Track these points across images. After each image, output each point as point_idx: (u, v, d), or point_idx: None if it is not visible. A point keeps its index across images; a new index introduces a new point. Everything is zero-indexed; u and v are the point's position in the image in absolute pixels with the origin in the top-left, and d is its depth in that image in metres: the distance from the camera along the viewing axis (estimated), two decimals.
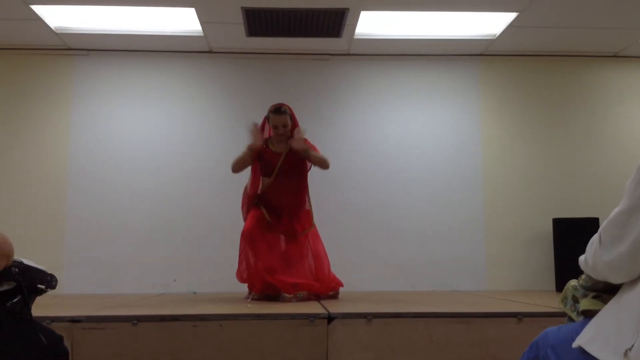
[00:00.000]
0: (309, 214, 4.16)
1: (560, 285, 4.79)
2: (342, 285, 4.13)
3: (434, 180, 5.39)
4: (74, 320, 2.66)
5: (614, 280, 1.25)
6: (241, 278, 4.06)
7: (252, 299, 3.87)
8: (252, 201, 4.07)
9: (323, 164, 3.96)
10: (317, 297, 3.94)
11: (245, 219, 4.10)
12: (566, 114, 5.54)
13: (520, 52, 5.48)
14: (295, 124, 4.02)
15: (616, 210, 1.20)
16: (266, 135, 4.08)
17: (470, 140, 5.47)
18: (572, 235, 4.84)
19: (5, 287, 1.21)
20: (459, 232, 5.33)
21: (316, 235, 4.16)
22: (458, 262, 5.28)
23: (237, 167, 4.03)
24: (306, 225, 4.10)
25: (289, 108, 4.01)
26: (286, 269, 3.96)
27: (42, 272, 1.32)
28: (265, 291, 3.87)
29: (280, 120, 3.91)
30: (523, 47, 5.37)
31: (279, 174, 3.97)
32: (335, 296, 4.06)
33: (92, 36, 5.08)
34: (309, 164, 4.04)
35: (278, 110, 3.94)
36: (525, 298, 3.98)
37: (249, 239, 3.94)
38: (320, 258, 4.09)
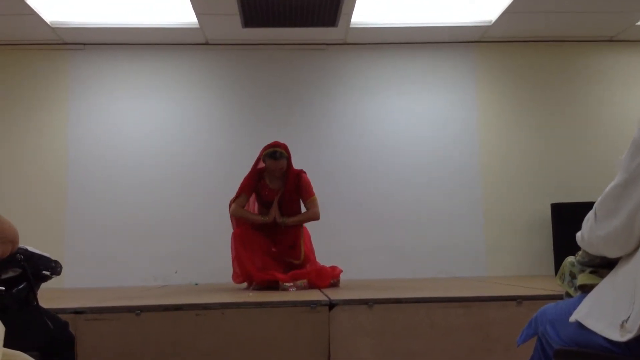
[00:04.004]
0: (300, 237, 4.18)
1: (559, 270, 4.82)
2: (341, 271, 4.15)
3: (433, 168, 5.41)
4: (78, 311, 2.67)
5: (610, 254, 1.26)
6: (237, 280, 4.08)
7: (253, 289, 3.89)
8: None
9: (309, 220, 4.08)
10: (318, 287, 3.96)
11: (233, 226, 4.15)
12: (563, 99, 5.55)
13: (516, 38, 5.48)
14: (289, 161, 4.03)
15: (611, 184, 1.21)
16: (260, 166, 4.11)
17: (468, 127, 5.48)
18: (570, 219, 4.79)
19: (10, 274, 1.22)
20: (458, 218, 5.35)
21: (307, 241, 4.19)
22: (458, 249, 5.31)
23: (240, 218, 4.06)
24: (298, 255, 4.11)
25: (285, 149, 4.00)
26: (281, 266, 3.99)
27: (46, 259, 1.34)
28: (264, 284, 3.90)
29: (277, 165, 3.95)
30: (519, 33, 5.38)
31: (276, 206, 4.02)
32: (336, 284, 4.09)
33: (88, 30, 5.08)
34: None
35: (273, 155, 3.94)
36: (525, 282, 4.01)
37: (240, 239, 3.98)
38: (313, 262, 4.15)
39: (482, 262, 5.32)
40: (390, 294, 3.14)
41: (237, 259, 4.01)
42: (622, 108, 5.56)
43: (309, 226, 4.25)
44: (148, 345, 2.67)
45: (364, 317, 2.77)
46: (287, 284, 3.79)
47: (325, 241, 5.12)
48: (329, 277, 4.04)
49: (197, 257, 5.15)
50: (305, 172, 4.15)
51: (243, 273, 4.01)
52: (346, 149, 5.40)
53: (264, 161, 4.02)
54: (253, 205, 4.19)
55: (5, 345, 1.05)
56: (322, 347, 2.72)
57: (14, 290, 1.20)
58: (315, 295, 3.22)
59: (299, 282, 3.84)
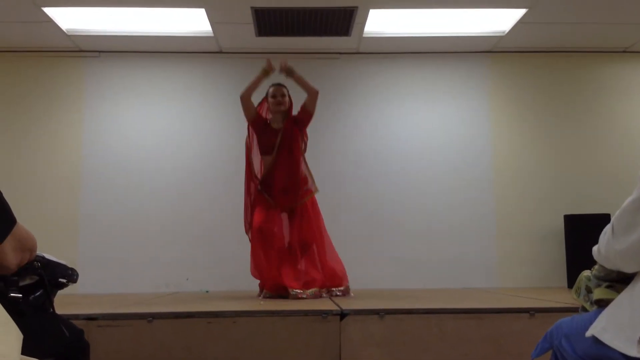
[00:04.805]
0: (306, 182, 4.23)
1: (572, 282, 4.78)
2: (347, 282, 4.16)
3: (445, 178, 5.40)
4: (90, 317, 2.69)
5: (627, 269, 1.25)
6: (255, 274, 4.14)
7: (264, 297, 3.90)
8: (257, 186, 4.18)
9: (311, 89, 4.15)
10: (328, 292, 3.99)
11: (246, 206, 4.20)
12: (576, 110, 5.53)
13: (529, 49, 5.47)
14: (291, 102, 4.21)
15: (629, 199, 1.21)
16: (264, 115, 4.25)
17: (480, 137, 5.47)
18: (583, 231, 4.82)
19: (28, 281, 1.24)
20: (470, 229, 5.33)
21: (317, 212, 4.22)
22: (469, 260, 5.28)
23: (247, 92, 4.13)
24: (306, 193, 4.18)
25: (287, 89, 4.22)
26: (295, 262, 4.03)
27: (63, 267, 1.35)
28: (276, 290, 3.91)
29: (280, 90, 4.14)
30: (532, 44, 5.37)
31: (279, 149, 4.10)
32: (346, 292, 4.09)
33: (103, 38, 5.13)
34: (303, 144, 4.22)
35: (278, 83, 4.19)
36: (537, 294, 3.98)
37: (258, 235, 4.02)
38: (323, 246, 4.17)
39: (494, 273, 5.29)
40: (402, 305, 3.14)
41: (255, 256, 4.08)
42: (636, 119, 5.52)
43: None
44: (160, 353, 2.68)
45: (375, 327, 2.77)
46: (297, 291, 3.80)
47: (337, 250, 5.12)
48: (337, 279, 4.08)
49: (209, 264, 5.17)
50: None
51: (259, 273, 4.08)
52: (358, 158, 5.40)
53: (266, 97, 4.19)
54: (260, 164, 4.23)
55: (22, 352, 1.05)
56: (333, 357, 2.72)
57: (30, 297, 1.22)
58: (326, 304, 3.22)
59: (309, 292, 3.85)
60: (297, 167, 4.14)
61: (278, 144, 4.09)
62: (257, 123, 4.18)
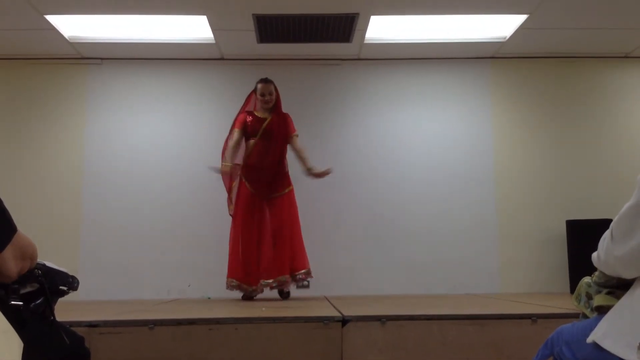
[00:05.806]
0: (287, 177, 4.52)
1: (574, 287, 4.77)
2: (308, 265, 4.40)
3: (447, 183, 5.40)
4: (92, 325, 2.69)
5: (626, 275, 1.25)
6: (234, 269, 4.41)
7: (231, 286, 4.31)
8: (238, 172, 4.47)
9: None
10: (293, 276, 4.31)
11: (223, 171, 4.48)
12: (578, 116, 5.53)
13: (530, 54, 5.48)
14: (278, 96, 4.52)
15: (627, 204, 1.20)
16: (251, 108, 4.59)
17: (482, 143, 5.47)
18: (586, 236, 4.77)
19: (28, 289, 1.24)
20: (472, 234, 5.33)
21: (293, 203, 4.47)
22: (471, 265, 5.28)
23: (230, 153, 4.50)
24: (286, 186, 4.45)
25: (275, 85, 4.53)
26: (269, 252, 4.29)
27: (63, 274, 1.35)
28: (246, 280, 4.29)
29: (267, 88, 4.45)
30: (533, 49, 5.37)
31: (263, 134, 4.41)
32: (308, 274, 4.35)
33: (106, 45, 5.15)
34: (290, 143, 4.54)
35: (265, 79, 4.50)
36: (540, 300, 3.97)
37: (242, 241, 4.34)
38: (297, 234, 4.41)
39: (496, 278, 5.28)
40: (403, 311, 3.13)
41: (235, 250, 4.40)
42: (638, 125, 5.52)
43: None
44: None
45: (377, 333, 2.77)
46: (268, 281, 4.21)
47: (338, 255, 5.13)
48: (300, 264, 4.33)
49: (211, 271, 5.15)
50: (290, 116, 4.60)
51: (235, 265, 4.36)
52: (360, 163, 5.40)
53: (254, 91, 4.52)
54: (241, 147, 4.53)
55: None
56: None
57: (31, 305, 1.22)
58: (327, 311, 3.21)
59: (281, 278, 4.22)
60: (277, 155, 4.41)
61: (262, 129, 4.40)
62: (243, 132, 4.49)
